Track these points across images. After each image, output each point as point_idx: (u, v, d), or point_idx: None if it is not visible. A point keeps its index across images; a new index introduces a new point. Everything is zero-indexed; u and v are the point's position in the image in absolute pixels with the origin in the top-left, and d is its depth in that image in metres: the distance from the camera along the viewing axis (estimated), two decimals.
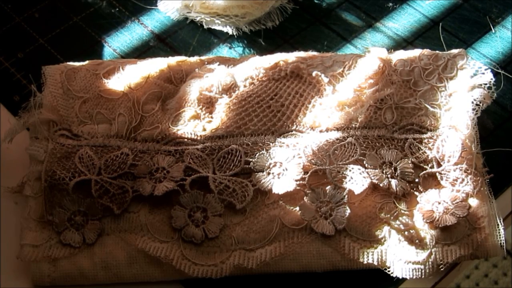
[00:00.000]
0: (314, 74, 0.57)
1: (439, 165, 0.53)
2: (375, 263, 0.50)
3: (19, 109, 0.56)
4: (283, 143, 0.54)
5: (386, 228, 0.51)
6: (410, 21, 0.68)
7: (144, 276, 0.51)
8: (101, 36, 0.67)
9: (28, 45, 0.66)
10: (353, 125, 0.55)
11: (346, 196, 0.51)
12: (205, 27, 0.67)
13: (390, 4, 0.70)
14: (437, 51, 0.59)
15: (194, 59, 0.59)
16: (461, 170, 0.52)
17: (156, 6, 0.69)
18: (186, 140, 0.54)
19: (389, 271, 0.50)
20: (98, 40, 0.67)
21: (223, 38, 0.67)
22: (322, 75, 0.56)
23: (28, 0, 0.70)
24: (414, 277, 0.50)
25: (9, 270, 0.52)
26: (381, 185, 0.52)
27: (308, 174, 0.52)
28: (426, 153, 0.54)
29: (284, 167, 0.53)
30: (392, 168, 0.53)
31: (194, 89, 0.56)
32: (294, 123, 0.55)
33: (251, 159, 0.53)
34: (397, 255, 0.50)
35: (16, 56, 0.65)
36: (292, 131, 0.55)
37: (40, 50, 0.66)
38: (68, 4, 0.69)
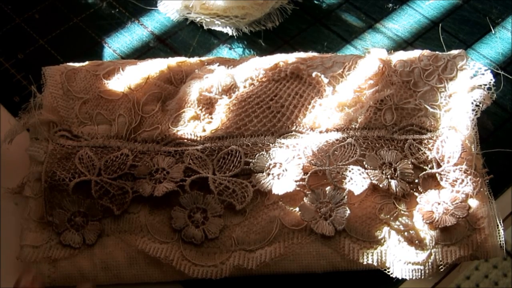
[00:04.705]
0: (314, 75, 0.57)
1: (439, 166, 0.53)
2: (375, 263, 0.50)
3: (19, 110, 0.56)
4: (283, 144, 0.54)
5: (386, 229, 0.51)
6: (410, 22, 0.68)
7: (144, 276, 0.51)
8: (101, 37, 0.67)
9: (28, 46, 0.66)
10: (353, 126, 0.55)
11: (346, 197, 0.51)
12: (205, 28, 0.67)
13: (390, 5, 0.70)
14: (437, 52, 0.59)
15: (194, 60, 0.59)
16: (461, 171, 0.52)
17: (156, 7, 0.69)
18: (186, 141, 0.54)
19: (388, 271, 0.50)
20: (98, 41, 0.67)
21: (223, 39, 0.67)
22: (322, 76, 0.56)
23: (28, 1, 0.70)
24: (414, 277, 0.50)
25: (9, 271, 0.52)
26: (381, 186, 0.51)
27: (308, 175, 0.52)
28: (426, 154, 0.54)
29: (284, 168, 0.53)
30: (392, 169, 0.53)
31: (194, 90, 0.56)
32: (294, 124, 0.55)
33: (251, 160, 0.53)
34: (397, 255, 0.50)
35: (16, 57, 0.65)
36: (292, 132, 0.55)
37: (40, 51, 0.66)
38: (68, 5, 0.69)
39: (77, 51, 0.66)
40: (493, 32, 0.67)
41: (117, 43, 0.67)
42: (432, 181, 0.53)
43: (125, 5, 0.70)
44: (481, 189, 0.52)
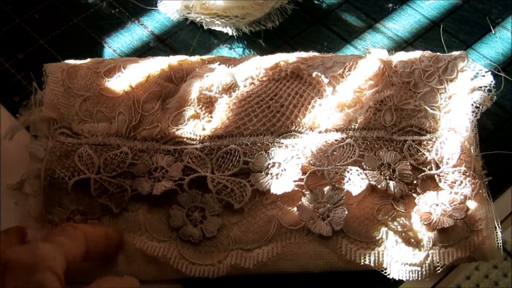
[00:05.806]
0: (314, 74, 0.57)
1: (437, 167, 0.53)
2: (372, 264, 0.50)
3: (19, 110, 0.56)
4: (282, 143, 0.54)
5: (383, 230, 0.51)
6: (410, 22, 0.68)
7: (141, 275, 0.50)
8: (101, 37, 0.67)
9: (28, 46, 0.66)
10: (352, 126, 0.55)
11: (344, 197, 0.51)
12: (205, 28, 0.67)
13: (390, 5, 0.70)
14: (437, 53, 0.59)
15: (195, 58, 0.59)
16: (459, 172, 0.52)
17: (156, 7, 0.69)
18: (185, 139, 0.54)
19: (386, 272, 0.50)
20: (98, 41, 0.67)
21: (223, 39, 0.67)
22: (322, 76, 0.56)
23: (28, 0, 0.70)
24: (411, 279, 0.50)
25: None
26: (379, 186, 0.51)
27: (307, 175, 0.52)
28: (425, 155, 0.54)
29: (282, 167, 0.53)
30: (391, 170, 0.53)
31: (194, 88, 0.56)
32: (294, 124, 0.55)
33: (249, 159, 0.53)
34: (394, 256, 0.50)
35: (16, 57, 0.65)
36: (291, 131, 0.55)
37: (40, 51, 0.66)
38: (68, 5, 0.70)
39: (77, 51, 0.66)
40: (493, 32, 0.67)
41: (117, 43, 0.67)
42: (430, 183, 0.53)
43: (125, 5, 0.70)
44: (480, 191, 0.52)
